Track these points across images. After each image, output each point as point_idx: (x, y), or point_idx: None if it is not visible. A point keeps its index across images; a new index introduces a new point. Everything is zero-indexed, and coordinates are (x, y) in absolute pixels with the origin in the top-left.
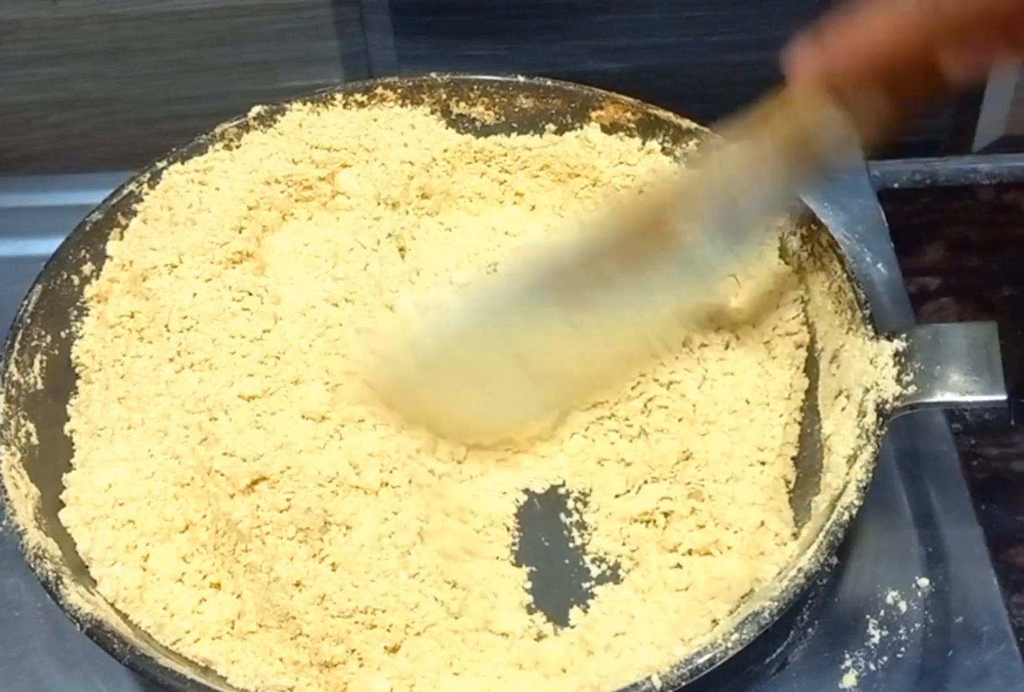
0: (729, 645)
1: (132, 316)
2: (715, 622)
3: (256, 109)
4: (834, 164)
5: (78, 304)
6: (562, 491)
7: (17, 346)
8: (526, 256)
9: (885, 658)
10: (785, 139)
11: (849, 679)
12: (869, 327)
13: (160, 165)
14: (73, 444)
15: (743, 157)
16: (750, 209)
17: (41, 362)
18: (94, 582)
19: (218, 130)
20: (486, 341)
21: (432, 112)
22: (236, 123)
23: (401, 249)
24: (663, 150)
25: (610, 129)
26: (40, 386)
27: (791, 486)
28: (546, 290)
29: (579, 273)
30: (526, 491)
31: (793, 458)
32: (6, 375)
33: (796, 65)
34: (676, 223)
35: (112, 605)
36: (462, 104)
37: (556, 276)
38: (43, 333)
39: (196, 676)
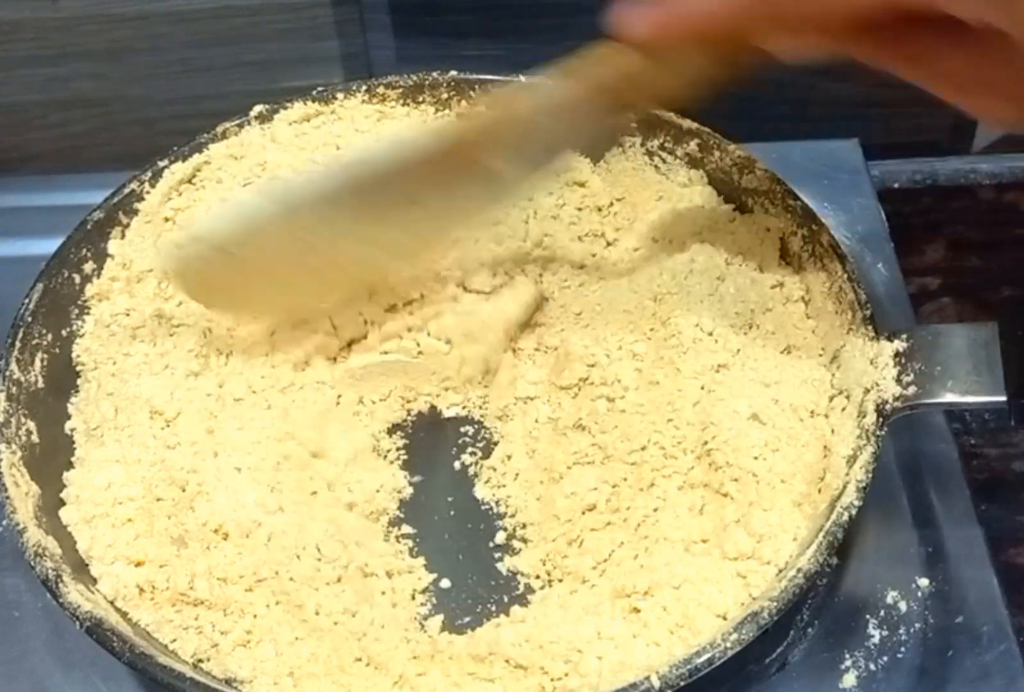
0: (728, 645)
1: (127, 314)
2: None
3: (257, 108)
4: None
5: (79, 303)
6: None
7: (18, 344)
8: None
9: (885, 658)
10: (598, 85)
11: (849, 679)
12: (869, 327)
13: (161, 164)
14: (74, 442)
15: (555, 96)
16: (553, 144)
17: (42, 360)
18: (94, 580)
19: (219, 130)
20: (277, 229)
21: (434, 112)
22: (237, 122)
23: None
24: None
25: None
26: (41, 384)
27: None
28: (347, 195)
29: (383, 187)
30: None
31: None
32: (7, 373)
33: (625, 21)
34: (482, 153)
35: (111, 603)
36: (463, 103)
37: (360, 185)
38: (44, 331)
39: (195, 674)
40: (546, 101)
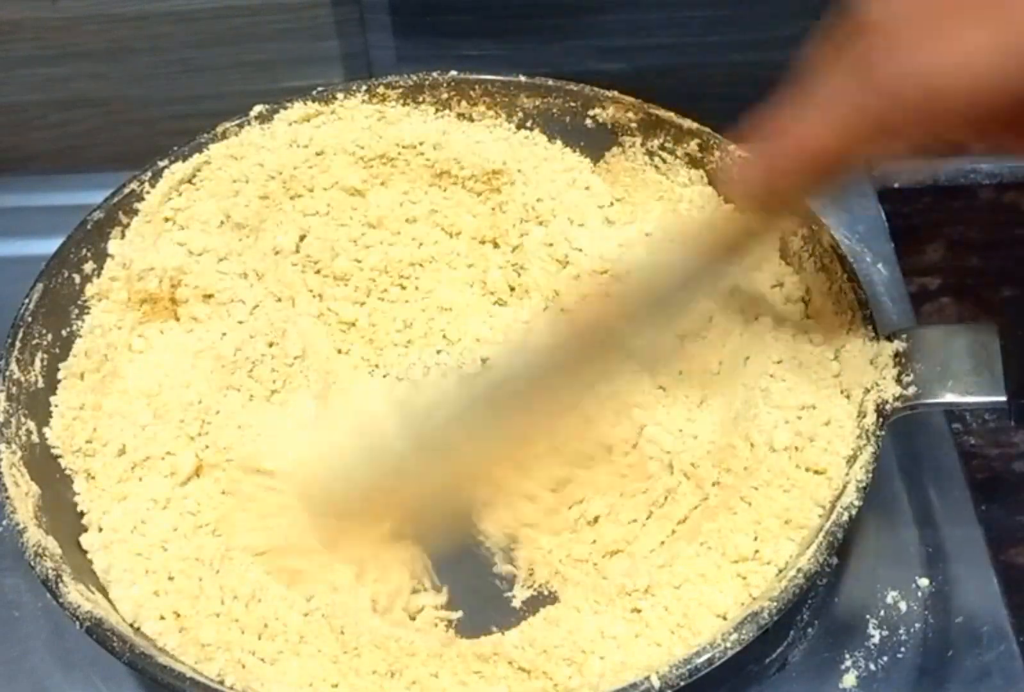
0: (728, 645)
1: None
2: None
3: (257, 108)
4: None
5: (79, 303)
6: None
7: (18, 344)
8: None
9: (885, 658)
10: (722, 248)
11: (849, 679)
12: (869, 327)
13: (161, 164)
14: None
15: (681, 266)
16: (678, 301)
17: (42, 360)
18: (95, 581)
19: (219, 130)
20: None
21: (434, 112)
22: (237, 122)
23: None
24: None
25: (612, 129)
26: (41, 384)
27: None
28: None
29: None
30: None
31: None
32: (7, 373)
33: (740, 182)
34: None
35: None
36: (463, 103)
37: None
38: (44, 331)
39: (195, 674)
40: (674, 279)
